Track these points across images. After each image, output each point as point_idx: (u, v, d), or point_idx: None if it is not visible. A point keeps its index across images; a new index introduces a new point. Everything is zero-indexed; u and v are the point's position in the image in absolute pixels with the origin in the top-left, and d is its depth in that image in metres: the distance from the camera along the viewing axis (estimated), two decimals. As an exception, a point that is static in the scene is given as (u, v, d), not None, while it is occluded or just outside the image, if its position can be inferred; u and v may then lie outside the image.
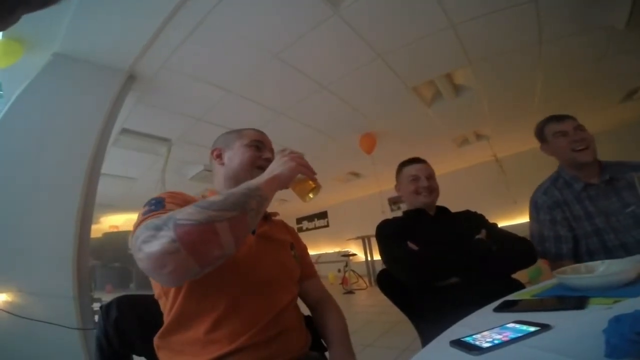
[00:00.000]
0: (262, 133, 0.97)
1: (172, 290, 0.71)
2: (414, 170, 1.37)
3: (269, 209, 0.97)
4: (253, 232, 0.83)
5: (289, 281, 0.86)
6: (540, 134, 1.38)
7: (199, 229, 0.53)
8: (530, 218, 1.35)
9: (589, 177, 1.24)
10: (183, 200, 0.72)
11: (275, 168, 0.72)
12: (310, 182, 0.79)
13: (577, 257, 1.22)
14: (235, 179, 0.85)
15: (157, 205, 0.66)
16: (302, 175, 0.76)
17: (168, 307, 0.72)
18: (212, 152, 0.95)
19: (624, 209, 1.14)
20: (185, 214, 0.55)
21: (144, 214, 0.64)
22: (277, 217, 1.00)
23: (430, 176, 1.36)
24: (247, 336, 0.69)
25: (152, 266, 0.52)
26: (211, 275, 0.68)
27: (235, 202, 0.59)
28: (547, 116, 1.37)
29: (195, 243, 0.52)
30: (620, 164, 1.26)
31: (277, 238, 0.90)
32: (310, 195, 0.80)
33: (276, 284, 0.80)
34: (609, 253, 1.13)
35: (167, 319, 0.72)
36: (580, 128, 1.26)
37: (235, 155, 0.89)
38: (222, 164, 0.91)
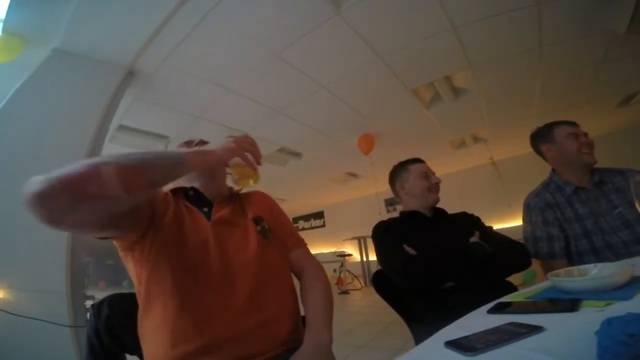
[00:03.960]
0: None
1: (142, 276, 0.72)
2: (424, 168, 1.39)
3: None
4: (209, 219, 0.81)
5: (256, 266, 0.77)
6: (546, 134, 1.40)
7: (80, 165, 0.54)
8: (524, 221, 1.38)
9: (580, 181, 1.30)
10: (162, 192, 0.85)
11: (212, 145, 0.75)
12: (248, 168, 0.79)
13: (568, 258, 1.25)
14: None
15: None
16: (239, 159, 0.76)
17: (137, 292, 0.75)
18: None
19: (613, 211, 1.20)
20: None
21: None
22: (249, 192, 0.96)
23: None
24: (211, 331, 0.66)
25: (24, 197, 0.51)
26: (163, 264, 0.71)
27: (138, 157, 0.60)
28: (553, 120, 1.42)
29: (69, 175, 0.52)
30: (607, 170, 1.33)
31: (237, 221, 0.85)
32: (249, 182, 0.80)
33: (239, 272, 0.74)
34: (596, 254, 1.18)
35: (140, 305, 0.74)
36: (586, 134, 1.34)
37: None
38: None
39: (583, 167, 1.31)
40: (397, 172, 1.45)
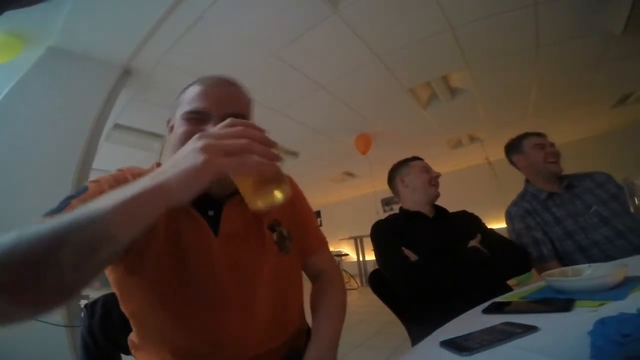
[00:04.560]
0: (211, 87, 0.65)
1: (126, 304, 0.62)
2: (424, 164, 1.44)
3: None
4: (215, 229, 0.63)
5: (274, 287, 0.67)
6: (516, 145, 1.51)
7: None
8: (508, 231, 1.42)
9: (551, 188, 1.38)
10: (125, 183, 0.51)
11: (163, 174, 0.39)
12: (260, 179, 0.45)
13: (558, 259, 1.27)
14: None
15: (59, 205, 0.53)
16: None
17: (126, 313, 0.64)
18: (167, 122, 0.74)
19: (588, 210, 1.26)
20: None
21: (43, 214, 0.50)
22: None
23: None
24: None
25: None
26: (155, 299, 0.58)
27: (27, 253, 0.32)
28: (523, 132, 1.52)
29: None
30: (574, 175, 1.42)
31: (252, 231, 0.68)
32: (272, 197, 0.45)
33: (255, 296, 0.64)
34: (583, 252, 1.21)
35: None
36: (553, 145, 1.43)
37: (175, 130, 0.65)
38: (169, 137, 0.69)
39: (550, 176, 1.39)
40: (397, 169, 1.47)
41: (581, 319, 0.47)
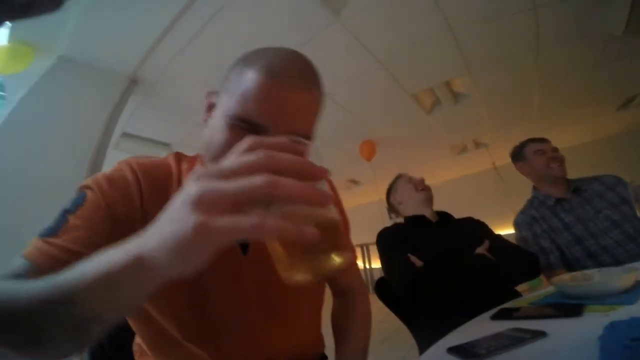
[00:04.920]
0: (281, 88, 0.44)
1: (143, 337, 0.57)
2: (407, 177, 1.49)
3: None
4: (245, 249, 0.55)
5: (309, 313, 0.64)
6: (519, 153, 1.51)
7: None
8: (515, 239, 1.40)
9: (559, 193, 1.36)
10: (119, 189, 0.49)
11: (146, 238, 0.27)
12: (299, 246, 0.27)
13: (567, 266, 1.25)
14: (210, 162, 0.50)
15: (56, 224, 0.45)
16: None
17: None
18: (206, 96, 0.55)
19: (598, 215, 1.24)
20: None
21: (39, 233, 0.44)
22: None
23: None
24: None
25: None
26: (171, 324, 0.51)
27: (12, 327, 0.29)
28: (526, 139, 1.52)
29: None
30: (582, 179, 1.40)
31: None
32: (324, 266, 0.28)
33: (294, 329, 0.60)
34: (593, 257, 1.19)
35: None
36: (555, 150, 1.43)
37: (212, 126, 0.49)
38: (205, 121, 0.53)
39: (554, 181, 1.38)
40: (388, 193, 1.53)
41: (591, 324, 0.46)
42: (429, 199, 1.37)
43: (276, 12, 2.06)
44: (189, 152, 0.64)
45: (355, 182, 6.24)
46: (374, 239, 1.33)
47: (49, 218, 0.49)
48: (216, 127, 0.47)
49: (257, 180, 0.23)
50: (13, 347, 0.29)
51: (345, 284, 0.73)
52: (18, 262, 0.41)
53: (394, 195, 1.48)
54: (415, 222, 1.33)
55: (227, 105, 0.46)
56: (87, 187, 0.49)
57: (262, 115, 0.43)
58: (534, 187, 1.47)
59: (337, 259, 0.28)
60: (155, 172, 0.53)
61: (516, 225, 1.41)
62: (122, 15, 1.90)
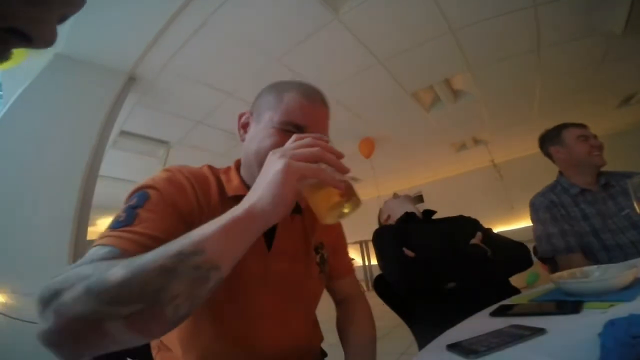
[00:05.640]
0: (312, 102, 0.64)
1: None
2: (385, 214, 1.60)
3: None
4: (268, 244, 0.64)
5: (312, 307, 0.72)
6: (555, 136, 1.43)
7: (82, 326, 0.35)
8: (532, 221, 1.37)
9: (587, 184, 1.32)
10: (178, 188, 0.56)
11: (253, 193, 0.43)
12: (333, 191, 0.45)
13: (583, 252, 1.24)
14: (250, 173, 0.64)
15: (127, 217, 0.49)
16: (313, 179, 0.44)
17: None
18: (239, 118, 0.70)
19: (620, 213, 1.21)
20: (71, 298, 0.36)
21: (110, 226, 0.48)
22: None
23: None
24: None
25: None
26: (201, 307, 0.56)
27: (143, 287, 0.35)
28: (562, 123, 1.44)
29: (76, 338, 0.36)
30: (614, 173, 1.35)
31: (299, 250, 0.69)
32: (342, 210, 0.46)
33: (300, 319, 0.68)
34: (607, 251, 1.19)
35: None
36: (596, 136, 1.36)
37: (256, 137, 0.62)
38: (243, 139, 0.67)
39: (592, 169, 1.32)
40: (378, 219, 1.62)
41: (590, 321, 0.46)
42: (411, 200, 1.48)
43: (274, 10, 2.04)
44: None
45: (354, 179, 6.25)
46: (372, 236, 1.35)
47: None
48: (261, 135, 0.61)
49: (315, 150, 0.44)
50: (135, 319, 0.35)
51: (345, 293, 0.82)
52: (101, 251, 0.44)
53: (382, 217, 1.57)
54: (406, 218, 1.40)
55: (270, 117, 0.62)
56: (148, 186, 0.55)
57: (303, 121, 0.61)
58: (560, 173, 1.42)
59: (350, 207, 0.46)
60: (200, 177, 0.62)
61: (532, 206, 1.38)
62: (119, 12, 1.88)
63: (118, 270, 0.36)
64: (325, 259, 0.75)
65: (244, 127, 0.69)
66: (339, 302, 0.82)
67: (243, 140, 0.68)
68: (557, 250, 1.26)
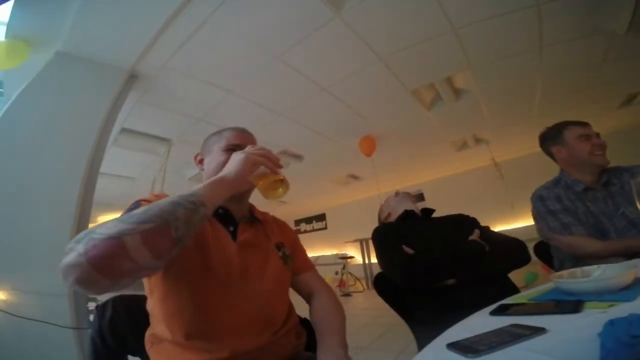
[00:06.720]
0: (243, 133, 0.92)
1: (157, 290, 0.73)
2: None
3: (264, 208, 0.97)
4: (234, 239, 0.80)
5: (280, 289, 0.83)
6: (555, 135, 1.39)
7: (106, 244, 0.50)
8: (540, 213, 1.33)
9: (590, 182, 1.30)
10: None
11: (225, 169, 0.71)
12: (272, 175, 0.71)
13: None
14: None
15: (134, 206, 0.68)
16: (263, 168, 0.71)
17: (150, 306, 0.76)
18: (195, 158, 0.95)
19: (617, 212, 1.21)
20: (103, 228, 0.52)
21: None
22: (267, 215, 0.97)
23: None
24: (229, 344, 0.69)
25: (62, 275, 0.51)
26: (183, 282, 0.71)
27: (157, 213, 0.55)
28: (563, 120, 1.41)
29: (100, 257, 0.50)
30: (615, 169, 1.33)
31: (261, 244, 0.86)
32: (278, 191, 0.72)
33: (259, 295, 0.76)
34: None
35: (150, 317, 0.76)
36: (598, 135, 1.33)
37: (212, 161, 0.87)
38: (203, 169, 0.91)
39: (594, 169, 1.30)
40: (379, 217, 1.63)
41: (590, 321, 0.46)
42: (411, 198, 1.49)
43: (275, 7, 2.04)
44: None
45: (355, 177, 6.24)
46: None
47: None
48: (215, 158, 0.87)
49: (263, 151, 0.74)
50: (148, 235, 0.53)
51: (310, 287, 0.92)
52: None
53: (382, 215, 1.59)
54: (405, 216, 1.41)
55: (218, 147, 0.88)
56: (141, 200, 0.73)
57: (241, 141, 0.88)
58: (562, 170, 1.39)
59: (284, 188, 0.74)
60: None
61: (540, 198, 1.34)
62: (120, 9, 1.88)
63: (140, 208, 0.57)
64: (288, 255, 0.90)
65: (200, 162, 0.93)
66: (308, 298, 0.92)
67: (202, 169, 0.91)
68: (578, 240, 1.20)
